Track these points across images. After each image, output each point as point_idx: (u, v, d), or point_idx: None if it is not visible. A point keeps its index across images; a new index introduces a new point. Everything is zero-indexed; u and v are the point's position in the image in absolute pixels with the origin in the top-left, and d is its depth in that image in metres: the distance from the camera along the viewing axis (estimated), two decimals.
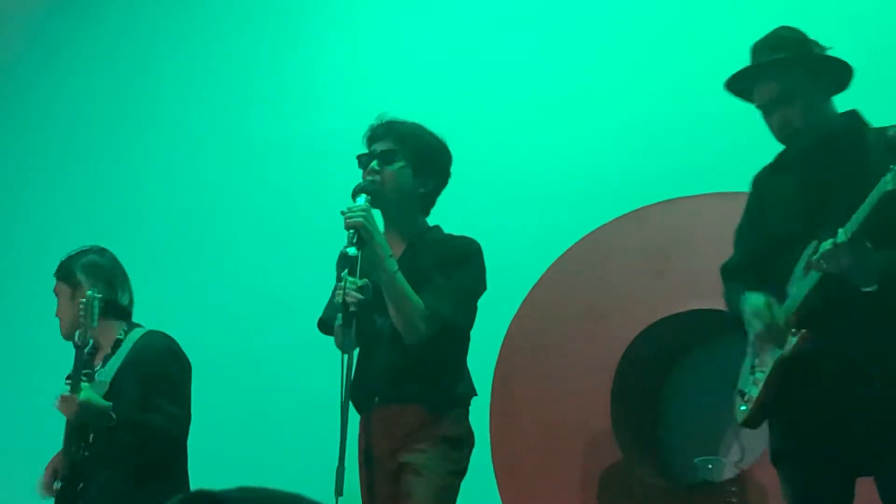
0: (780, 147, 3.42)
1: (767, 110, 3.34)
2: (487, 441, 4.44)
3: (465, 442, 3.64)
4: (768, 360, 3.23)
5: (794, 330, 3.17)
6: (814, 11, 4.27)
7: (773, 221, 3.39)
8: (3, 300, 6.08)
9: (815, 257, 3.09)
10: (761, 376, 3.25)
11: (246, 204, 5.53)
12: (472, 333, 3.73)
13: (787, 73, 3.32)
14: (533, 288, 4.61)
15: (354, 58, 5.51)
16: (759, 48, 3.39)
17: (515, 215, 4.87)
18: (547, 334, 4.57)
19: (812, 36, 3.37)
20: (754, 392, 3.26)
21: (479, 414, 4.25)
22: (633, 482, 4.33)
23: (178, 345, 4.01)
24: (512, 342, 4.59)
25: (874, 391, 3.12)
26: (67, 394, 3.73)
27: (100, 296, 3.84)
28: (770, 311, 3.23)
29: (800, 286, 3.20)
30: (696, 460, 4.20)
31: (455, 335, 3.63)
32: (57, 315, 4.07)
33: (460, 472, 3.60)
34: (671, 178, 4.51)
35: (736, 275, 3.48)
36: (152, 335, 3.99)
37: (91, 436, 3.82)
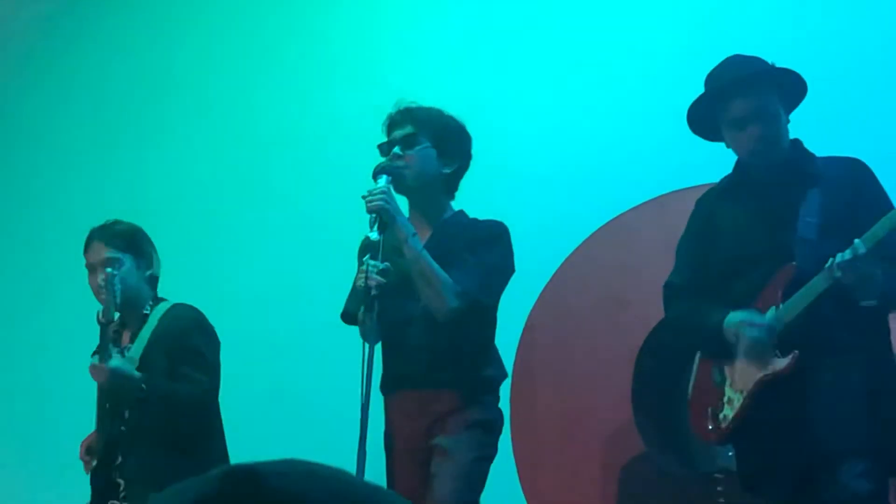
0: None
1: (740, 125, 3.36)
2: (508, 429, 4.43)
3: (495, 426, 3.64)
4: (744, 378, 3.26)
5: (779, 352, 3.22)
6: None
7: (732, 243, 3.42)
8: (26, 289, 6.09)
9: (827, 265, 3.13)
10: (738, 395, 3.27)
11: (269, 188, 5.52)
12: None
13: (765, 88, 3.39)
14: (553, 275, 4.60)
15: (371, 42, 5.49)
16: (721, 73, 3.44)
17: (536, 202, 4.85)
18: (567, 322, 4.56)
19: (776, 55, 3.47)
20: (729, 412, 3.29)
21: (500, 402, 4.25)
22: (654, 471, 4.32)
23: (205, 317, 4.02)
24: (532, 330, 4.59)
25: (841, 408, 3.19)
26: (97, 363, 3.73)
27: (118, 273, 3.82)
28: (756, 328, 3.28)
29: (785, 310, 3.24)
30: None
31: (484, 316, 3.63)
32: (100, 288, 3.96)
33: (489, 457, 3.60)
34: (693, 165, 4.50)
35: (685, 293, 3.52)
36: (179, 308, 4.00)
37: (126, 412, 3.84)
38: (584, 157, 4.88)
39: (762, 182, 3.43)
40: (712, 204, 3.55)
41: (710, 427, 3.39)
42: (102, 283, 3.79)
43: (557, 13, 5.13)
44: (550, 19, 5.13)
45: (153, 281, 4.05)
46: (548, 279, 4.60)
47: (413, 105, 3.73)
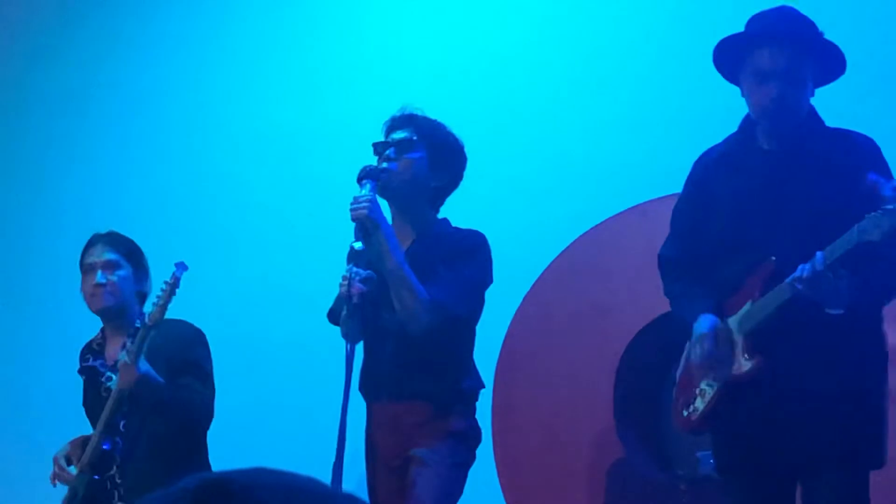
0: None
1: (762, 78, 3.22)
2: (489, 436, 4.43)
3: (470, 436, 3.63)
4: (716, 377, 3.25)
5: (746, 355, 3.19)
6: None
7: (721, 221, 3.34)
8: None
9: (788, 280, 3.09)
10: (710, 389, 3.26)
11: (254, 192, 5.51)
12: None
13: (801, 46, 3.23)
14: (535, 283, 4.59)
15: (354, 50, 5.48)
16: (765, 18, 3.29)
17: (517, 210, 4.85)
18: (549, 330, 4.56)
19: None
20: (700, 404, 3.28)
21: (481, 410, 4.25)
22: (636, 478, 4.32)
23: (203, 332, 4.05)
24: (513, 339, 4.58)
25: (809, 407, 3.16)
26: (128, 362, 3.72)
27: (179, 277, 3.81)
28: (719, 336, 3.23)
29: (756, 309, 3.20)
30: (698, 454, 4.19)
31: (460, 328, 3.62)
32: (107, 290, 3.99)
33: (466, 464, 3.60)
34: (675, 172, 4.50)
35: (677, 268, 3.46)
36: (174, 323, 4.00)
37: (122, 423, 3.86)
38: (566, 164, 4.88)
39: (762, 153, 3.30)
40: (709, 168, 3.42)
41: (685, 413, 3.37)
42: (167, 287, 3.76)
43: (541, 18, 5.13)
44: (533, 24, 5.13)
45: (141, 297, 4.05)
46: (529, 287, 4.59)
47: (417, 112, 3.72)
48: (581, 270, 4.55)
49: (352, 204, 3.43)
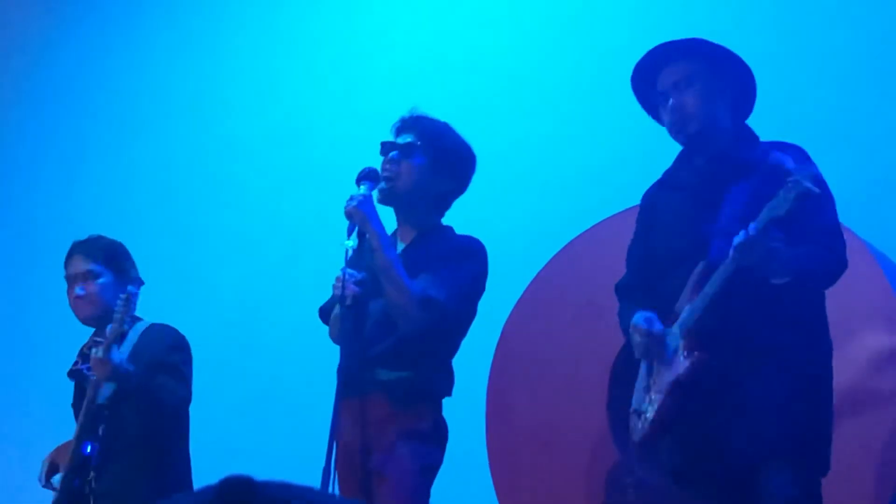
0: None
1: (664, 97, 3.27)
2: (483, 438, 4.42)
3: (431, 437, 3.51)
4: (663, 381, 3.20)
5: (685, 353, 3.13)
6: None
7: (661, 239, 3.35)
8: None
9: (731, 251, 3.01)
10: (657, 397, 3.21)
11: (255, 192, 5.52)
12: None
13: (693, 57, 3.27)
14: (530, 283, 4.58)
15: (352, 50, 5.49)
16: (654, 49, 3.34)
17: (514, 209, 4.85)
18: (544, 329, 4.55)
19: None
20: (650, 412, 3.23)
21: (476, 410, 4.24)
22: (630, 479, 4.30)
23: (184, 336, 4.07)
24: (508, 338, 4.57)
25: (753, 402, 3.09)
26: (101, 356, 3.74)
27: (136, 291, 3.90)
28: (649, 327, 3.20)
29: (695, 306, 3.14)
30: None
31: (443, 329, 3.55)
32: (87, 301, 4.03)
33: (430, 467, 3.49)
34: None
35: (627, 293, 3.47)
36: (157, 327, 4.06)
37: (101, 427, 3.85)
38: (562, 164, 4.88)
39: (692, 168, 3.32)
40: (653, 194, 3.47)
41: (633, 427, 3.31)
42: (123, 302, 3.79)
43: (534, 18, 5.13)
44: (526, 24, 5.13)
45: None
46: (524, 288, 4.58)
47: (425, 116, 3.70)
48: (576, 271, 4.54)
49: (346, 202, 3.41)
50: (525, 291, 4.59)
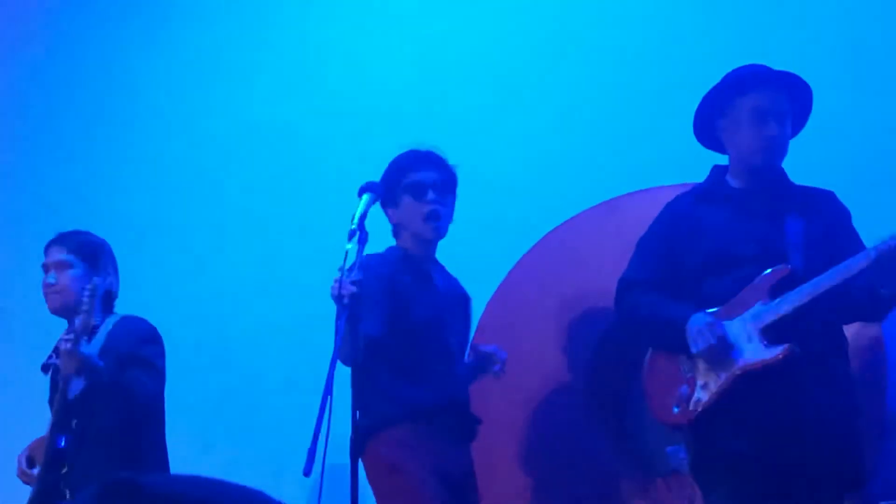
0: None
1: (762, 116, 3.43)
2: None
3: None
4: (716, 371, 3.33)
5: (766, 342, 3.27)
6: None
7: (708, 248, 3.48)
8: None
9: (880, 242, 3.21)
10: (713, 379, 3.34)
11: (253, 193, 5.52)
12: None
13: (797, 98, 3.49)
14: (506, 278, 4.61)
15: (350, 50, 5.48)
16: (752, 68, 3.50)
17: (489, 205, 4.87)
18: (520, 324, 4.57)
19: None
20: (703, 395, 3.35)
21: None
22: (608, 473, 4.34)
23: (156, 329, 4.04)
24: (484, 333, 4.59)
25: (818, 415, 3.27)
26: (70, 348, 3.70)
27: (103, 283, 3.86)
28: (722, 328, 3.34)
29: (775, 306, 3.30)
30: (667, 449, 4.23)
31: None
32: (55, 290, 4.02)
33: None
34: (642, 169, 4.55)
35: (649, 287, 3.57)
36: (129, 320, 4.02)
37: (74, 421, 3.84)
38: (535, 160, 4.90)
39: (733, 190, 3.53)
40: (683, 206, 3.62)
41: (677, 409, 3.42)
42: (89, 293, 3.75)
43: (512, 17, 5.15)
44: (503, 22, 5.15)
45: (107, 297, 4.03)
46: (497, 284, 4.61)
47: (444, 156, 3.91)
48: (552, 265, 4.57)
49: (335, 281, 3.38)
50: (501, 284, 4.61)
